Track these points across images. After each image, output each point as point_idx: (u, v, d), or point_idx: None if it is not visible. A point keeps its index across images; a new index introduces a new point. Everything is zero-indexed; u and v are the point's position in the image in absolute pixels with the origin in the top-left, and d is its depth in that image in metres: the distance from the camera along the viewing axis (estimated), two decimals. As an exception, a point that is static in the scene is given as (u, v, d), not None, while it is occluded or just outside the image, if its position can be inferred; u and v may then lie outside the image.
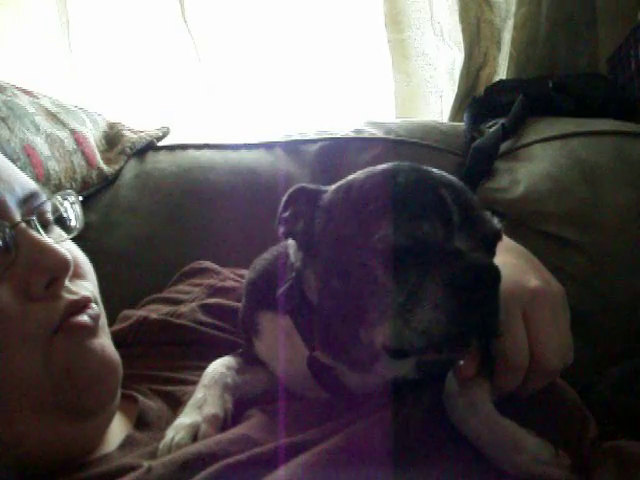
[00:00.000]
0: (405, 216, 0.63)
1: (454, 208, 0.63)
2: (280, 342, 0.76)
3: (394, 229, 0.62)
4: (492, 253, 0.68)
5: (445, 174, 0.69)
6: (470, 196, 0.68)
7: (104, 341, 0.74)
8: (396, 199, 0.64)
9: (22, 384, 0.66)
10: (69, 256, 0.69)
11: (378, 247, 0.63)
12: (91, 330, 0.71)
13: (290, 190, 0.76)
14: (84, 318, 0.70)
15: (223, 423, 0.73)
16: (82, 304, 0.71)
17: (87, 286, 0.75)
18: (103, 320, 0.76)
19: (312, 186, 0.76)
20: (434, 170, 0.69)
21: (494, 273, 0.61)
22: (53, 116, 1.36)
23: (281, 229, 0.76)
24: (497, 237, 0.68)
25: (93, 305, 0.73)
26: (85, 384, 0.71)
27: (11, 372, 0.66)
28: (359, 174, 0.72)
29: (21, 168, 1.12)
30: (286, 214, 0.75)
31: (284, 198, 0.76)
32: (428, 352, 0.62)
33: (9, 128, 1.21)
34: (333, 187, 0.74)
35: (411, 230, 0.62)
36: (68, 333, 0.69)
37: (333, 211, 0.71)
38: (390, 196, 0.65)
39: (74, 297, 0.70)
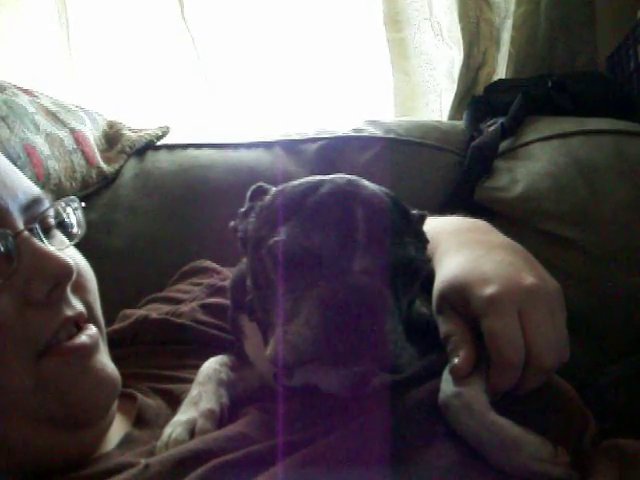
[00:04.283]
0: (303, 226, 0.62)
1: (363, 227, 0.61)
2: (261, 346, 0.73)
3: (288, 236, 0.62)
4: (400, 280, 0.63)
5: (381, 194, 0.66)
6: (394, 220, 0.64)
7: (104, 359, 0.74)
8: (304, 208, 0.63)
9: (14, 397, 0.66)
10: (72, 262, 0.69)
11: (271, 251, 0.63)
12: (91, 349, 0.71)
13: (253, 187, 0.77)
14: (82, 339, 0.70)
15: (219, 418, 0.73)
16: (76, 320, 0.71)
17: (86, 298, 0.74)
18: (102, 337, 0.76)
19: (267, 186, 0.76)
20: (370, 187, 0.67)
21: (370, 299, 0.57)
22: (53, 115, 1.36)
23: (231, 222, 0.77)
24: (408, 265, 0.63)
25: (90, 325, 0.73)
26: (84, 402, 0.71)
27: (2, 385, 0.65)
28: (298, 180, 0.71)
29: (21, 167, 1.12)
30: (242, 210, 0.77)
31: (248, 193, 0.77)
32: (300, 366, 0.60)
33: (9, 127, 1.21)
34: (274, 190, 0.74)
35: (303, 240, 0.61)
36: (68, 355, 0.69)
37: (262, 213, 0.71)
38: (301, 205, 0.64)
39: (70, 314, 0.69)
